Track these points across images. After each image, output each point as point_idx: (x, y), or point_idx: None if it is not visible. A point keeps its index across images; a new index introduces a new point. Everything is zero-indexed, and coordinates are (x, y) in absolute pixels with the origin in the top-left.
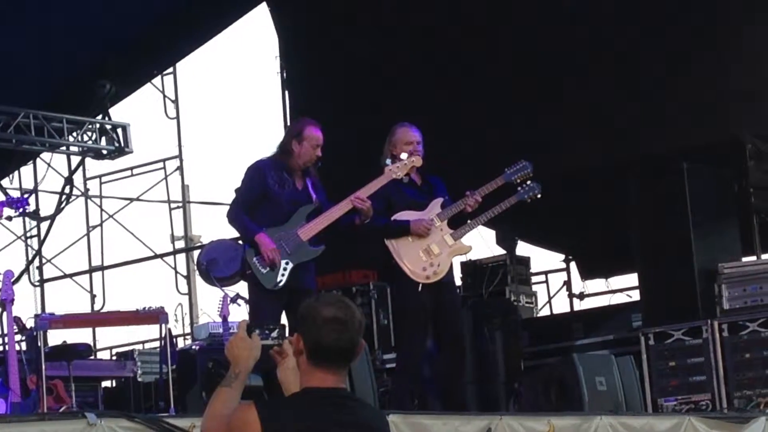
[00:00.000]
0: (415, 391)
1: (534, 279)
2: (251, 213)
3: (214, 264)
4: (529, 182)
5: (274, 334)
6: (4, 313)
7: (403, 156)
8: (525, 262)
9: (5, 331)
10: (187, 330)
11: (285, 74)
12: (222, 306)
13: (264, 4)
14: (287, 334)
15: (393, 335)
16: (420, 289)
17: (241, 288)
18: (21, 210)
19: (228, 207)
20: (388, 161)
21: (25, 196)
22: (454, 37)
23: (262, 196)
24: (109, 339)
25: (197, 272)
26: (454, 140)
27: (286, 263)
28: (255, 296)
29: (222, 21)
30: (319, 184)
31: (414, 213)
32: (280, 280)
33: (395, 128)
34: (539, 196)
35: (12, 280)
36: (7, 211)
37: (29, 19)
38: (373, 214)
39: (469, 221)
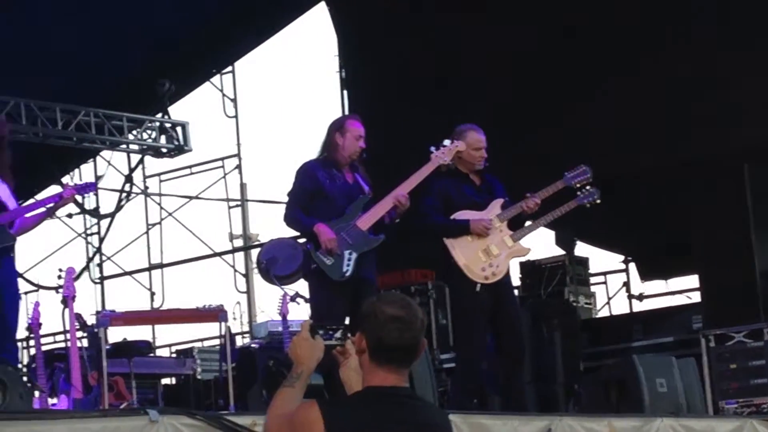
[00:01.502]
0: (474, 391)
1: (593, 280)
2: (307, 212)
3: (274, 262)
4: (588, 187)
5: (338, 334)
6: (66, 310)
7: (446, 142)
8: (584, 262)
9: (67, 328)
10: (245, 328)
11: (344, 73)
12: (282, 304)
13: (323, 3)
14: (351, 328)
15: (451, 335)
16: (478, 289)
17: (301, 287)
18: (89, 194)
19: (284, 210)
20: (432, 148)
21: (92, 181)
22: (509, 36)
23: (314, 193)
24: (168, 336)
25: (256, 270)
26: (510, 140)
27: (350, 253)
28: (320, 292)
29: (281, 20)
30: (367, 176)
31: (473, 212)
32: (347, 270)
33: (464, 131)
34: (598, 201)
35: (73, 277)
36: (68, 208)
37: (91, 18)
38: (432, 213)
39: (528, 223)
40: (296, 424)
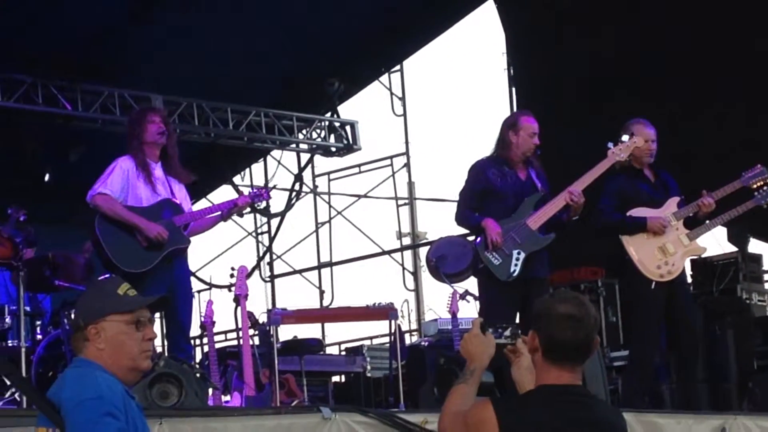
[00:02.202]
0: (646, 389)
1: (767, 277)
2: (478, 211)
3: (444, 260)
4: (765, 187)
5: (507, 332)
6: (239, 308)
7: (625, 138)
8: (757, 259)
9: (239, 326)
10: (414, 326)
11: (512, 71)
12: (451, 302)
13: (491, 1)
14: (521, 327)
15: (621, 333)
16: (653, 286)
17: (470, 284)
18: (263, 201)
19: (455, 209)
20: (610, 144)
21: (266, 189)
22: (684, 35)
23: (485, 192)
24: (338, 334)
25: (425, 268)
26: (682, 139)
27: (518, 253)
28: (489, 291)
29: (449, 18)
30: (542, 173)
31: (650, 210)
32: (514, 270)
33: (634, 125)
34: None
35: (245, 275)
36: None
37: (261, 19)
38: (608, 210)
39: (706, 222)
40: (470, 423)
